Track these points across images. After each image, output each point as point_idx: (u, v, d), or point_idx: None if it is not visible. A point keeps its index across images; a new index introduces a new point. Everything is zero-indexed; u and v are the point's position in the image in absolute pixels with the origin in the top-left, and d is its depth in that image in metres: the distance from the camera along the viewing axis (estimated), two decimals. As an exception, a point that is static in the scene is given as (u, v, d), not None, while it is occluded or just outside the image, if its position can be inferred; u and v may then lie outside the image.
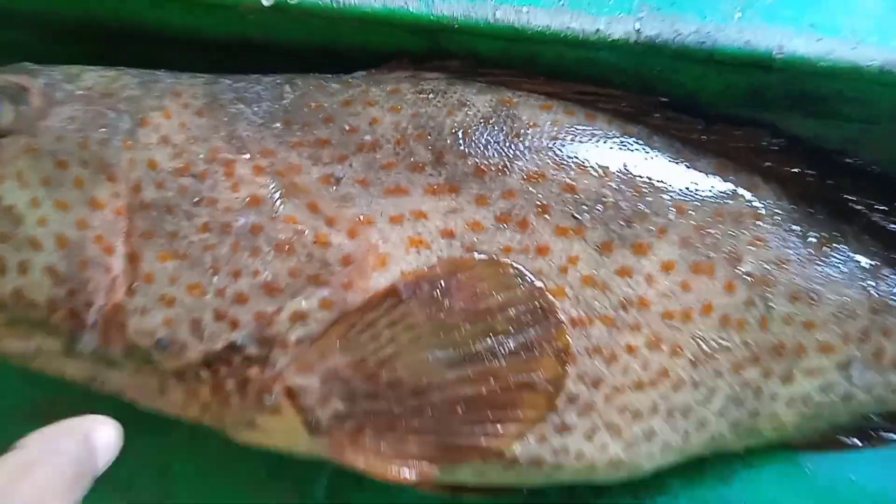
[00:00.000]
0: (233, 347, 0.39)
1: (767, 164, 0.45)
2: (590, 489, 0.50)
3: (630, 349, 0.42)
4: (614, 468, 0.44)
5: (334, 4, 0.41)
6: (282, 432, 0.41)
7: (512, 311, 0.39)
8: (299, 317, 0.39)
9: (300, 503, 0.49)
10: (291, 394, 0.39)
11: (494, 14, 0.41)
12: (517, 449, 0.42)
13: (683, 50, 0.41)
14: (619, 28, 0.41)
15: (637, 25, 0.40)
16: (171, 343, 0.38)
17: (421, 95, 0.42)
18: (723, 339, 0.43)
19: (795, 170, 0.46)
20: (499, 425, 0.40)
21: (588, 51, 0.41)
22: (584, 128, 0.42)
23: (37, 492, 0.31)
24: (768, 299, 0.44)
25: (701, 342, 0.43)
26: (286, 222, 0.39)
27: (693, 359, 0.43)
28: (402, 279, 0.39)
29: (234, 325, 0.38)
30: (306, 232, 0.39)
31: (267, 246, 0.39)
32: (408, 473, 0.40)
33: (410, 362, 0.39)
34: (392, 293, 0.38)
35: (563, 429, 0.42)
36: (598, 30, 0.41)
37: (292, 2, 0.40)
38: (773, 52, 0.41)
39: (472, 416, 0.40)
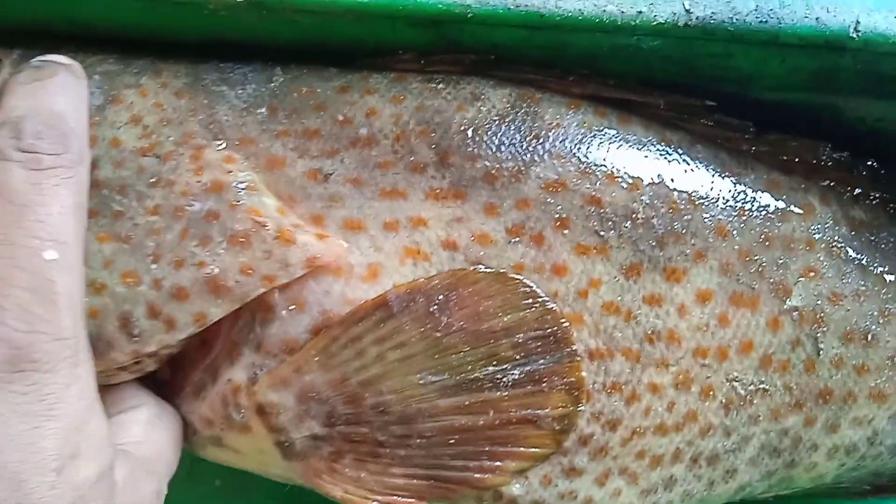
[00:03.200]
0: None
1: (826, 182, 0.38)
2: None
3: (654, 388, 0.35)
4: (627, 517, 0.38)
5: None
6: (253, 453, 0.35)
7: (520, 336, 0.33)
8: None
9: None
10: (262, 411, 0.33)
11: (515, -1, 0.33)
12: (517, 490, 0.36)
13: (742, 32, 0.34)
14: (664, 9, 0.33)
15: (686, 5, 0.33)
16: (97, 339, 0.32)
17: (429, 85, 0.35)
18: (762, 382, 0.36)
19: (858, 190, 0.38)
20: (497, 462, 0.34)
21: (627, 37, 0.34)
22: (616, 132, 0.35)
23: None
24: (818, 339, 0.36)
25: (737, 385, 0.36)
26: (249, 213, 0.32)
27: (726, 402, 0.36)
28: (394, 291, 0.32)
29: (171, 324, 0.32)
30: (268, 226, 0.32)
31: (220, 236, 0.32)
32: (392, 509, 0.35)
33: (399, 385, 0.33)
34: (382, 306, 0.32)
35: (572, 472, 0.36)
36: (640, 12, 0.33)
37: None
38: (850, 31, 0.33)
39: (465, 448, 0.33)
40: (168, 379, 0.36)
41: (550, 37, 0.34)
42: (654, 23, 0.33)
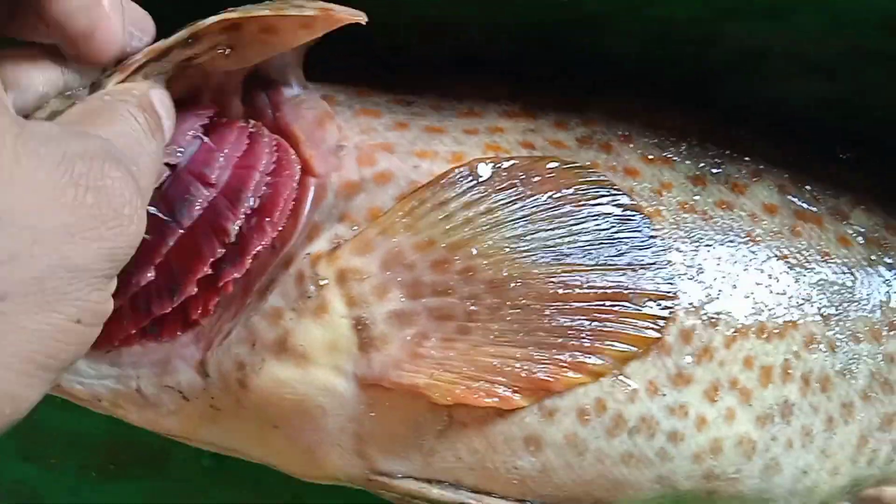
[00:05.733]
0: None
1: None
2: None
3: (746, 285, 0.33)
4: (745, 455, 0.32)
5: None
6: (323, 353, 0.30)
7: (604, 223, 0.32)
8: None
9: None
10: (344, 278, 0.30)
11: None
12: (621, 398, 0.31)
13: None
14: None
15: None
16: None
17: None
18: (850, 290, 0.34)
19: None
20: (597, 342, 0.30)
21: None
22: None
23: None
24: (890, 265, 0.35)
25: (827, 290, 0.34)
26: None
27: (821, 311, 0.33)
28: (479, 160, 0.32)
29: None
30: None
31: None
32: (485, 397, 0.29)
33: (489, 249, 0.30)
34: (469, 170, 0.31)
35: (679, 378, 0.31)
36: None
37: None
38: None
39: (562, 322, 0.30)
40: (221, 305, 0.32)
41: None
42: None
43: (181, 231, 0.30)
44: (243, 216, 0.31)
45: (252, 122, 0.33)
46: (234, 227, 0.30)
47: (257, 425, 0.32)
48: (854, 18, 0.34)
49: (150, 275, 0.30)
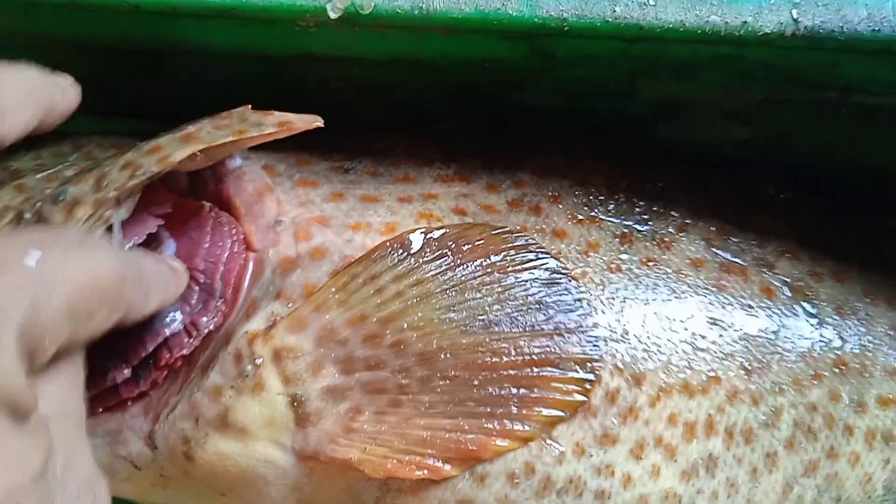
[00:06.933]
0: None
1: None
2: None
3: (670, 343, 0.34)
4: (672, 510, 0.33)
5: (417, 12, 0.32)
6: (262, 429, 0.31)
7: (531, 288, 0.33)
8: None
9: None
10: (279, 357, 0.31)
11: (613, 10, 0.32)
12: (549, 461, 0.32)
13: (853, 41, 0.32)
14: (771, 19, 0.31)
15: (794, 14, 0.31)
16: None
17: None
18: (774, 344, 0.35)
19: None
20: (524, 410, 0.31)
21: (731, 47, 0.32)
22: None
23: None
24: (813, 314, 0.37)
25: (751, 343, 0.35)
26: None
27: (745, 365, 0.34)
28: (410, 232, 0.32)
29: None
30: None
31: None
32: (416, 470, 0.30)
33: (419, 321, 0.31)
34: (400, 244, 0.32)
35: (605, 438, 0.32)
36: (744, 22, 0.31)
37: (365, 12, 0.32)
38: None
39: (490, 392, 0.31)
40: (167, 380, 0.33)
41: (647, 48, 0.33)
42: (761, 33, 0.32)
43: (160, 340, 0.31)
44: (214, 310, 0.32)
45: (212, 210, 0.33)
46: (206, 321, 0.32)
47: (205, 493, 0.33)
48: (759, 76, 0.35)
49: (127, 373, 0.31)
